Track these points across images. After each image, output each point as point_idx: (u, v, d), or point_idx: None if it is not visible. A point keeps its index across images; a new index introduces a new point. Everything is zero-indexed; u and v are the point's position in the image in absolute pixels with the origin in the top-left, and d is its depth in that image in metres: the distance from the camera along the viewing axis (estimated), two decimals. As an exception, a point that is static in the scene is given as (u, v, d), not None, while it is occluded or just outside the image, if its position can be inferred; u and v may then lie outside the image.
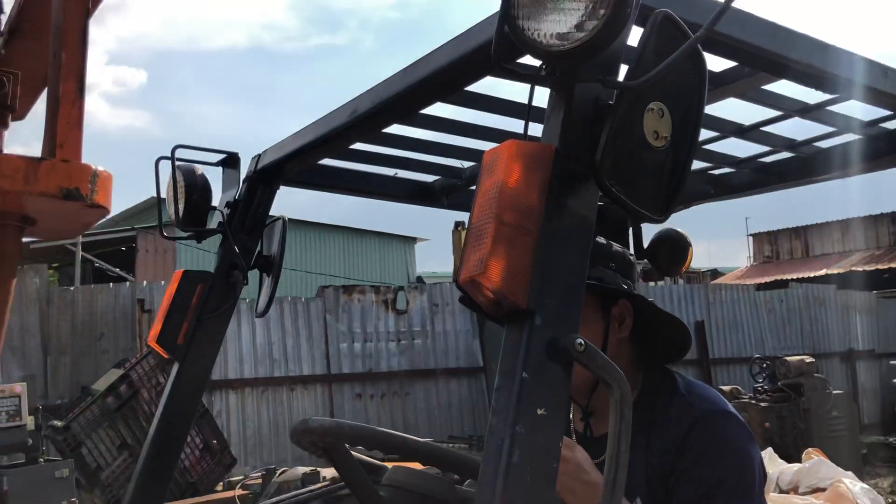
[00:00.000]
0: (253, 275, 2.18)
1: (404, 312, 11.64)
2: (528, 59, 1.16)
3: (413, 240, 24.86)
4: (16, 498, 6.26)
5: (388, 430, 1.45)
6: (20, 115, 0.98)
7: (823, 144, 2.25)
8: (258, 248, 2.20)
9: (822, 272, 19.94)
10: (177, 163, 2.07)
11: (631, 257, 1.89)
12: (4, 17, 1.30)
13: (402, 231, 24.38)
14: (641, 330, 1.81)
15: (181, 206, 2.06)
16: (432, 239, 25.43)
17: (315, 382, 10.84)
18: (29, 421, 6.83)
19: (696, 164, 2.42)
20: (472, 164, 2.39)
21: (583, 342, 1.02)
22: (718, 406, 1.72)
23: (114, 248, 19.21)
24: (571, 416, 1.94)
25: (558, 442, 1.01)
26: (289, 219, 2.22)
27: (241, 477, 7.43)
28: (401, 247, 24.32)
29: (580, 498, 1.50)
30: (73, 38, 1.01)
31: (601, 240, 1.85)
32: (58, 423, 7.19)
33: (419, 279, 23.00)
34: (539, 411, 0.99)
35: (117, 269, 18.50)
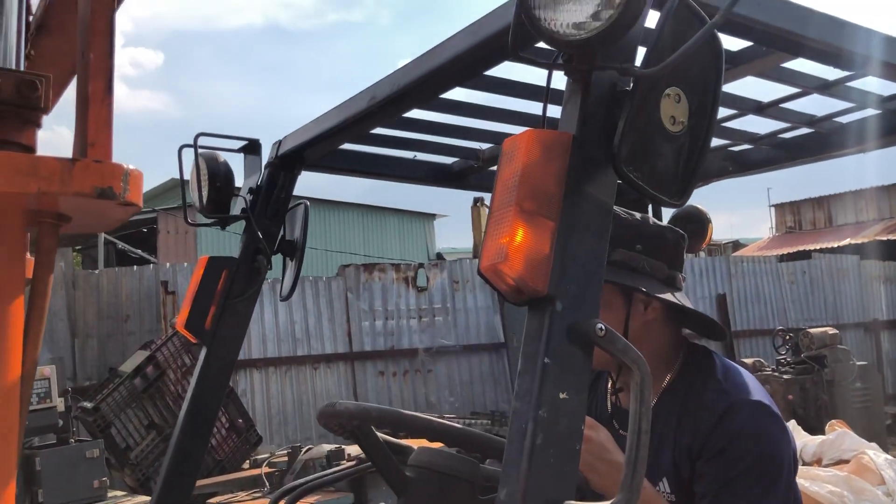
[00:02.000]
0: (275, 258, 2.22)
1: (425, 290, 11.70)
2: (544, 45, 1.17)
3: (432, 216, 24.87)
4: (49, 477, 6.40)
5: (413, 413, 1.48)
6: (47, 111, 1.01)
7: (842, 120, 2.24)
8: (281, 233, 2.23)
9: (846, 242, 19.74)
10: (199, 150, 2.10)
11: (670, 233, 1.85)
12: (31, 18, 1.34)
13: (420, 208, 24.41)
14: (676, 312, 1.82)
15: (205, 193, 2.10)
16: (451, 215, 25.44)
17: (338, 360, 10.95)
18: (59, 403, 6.96)
19: (715, 142, 2.42)
20: (489, 145, 2.40)
21: (603, 327, 1.04)
22: (753, 395, 1.72)
23: (135, 230, 19.41)
24: (607, 390, 1.97)
25: (580, 424, 1.04)
26: (308, 198, 2.25)
27: (267, 455, 7.53)
28: (420, 223, 24.34)
29: (603, 476, 1.53)
30: (101, 37, 1.04)
31: (636, 216, 1.83)
32: (87, 405, 7.32)
33: (439, 255, 23.04)
34: (561, 395, 1.01)
35: (139, 251, 18.69)
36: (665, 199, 1.13)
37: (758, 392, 1.75)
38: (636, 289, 1.73)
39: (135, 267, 11.27)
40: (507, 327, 11.54)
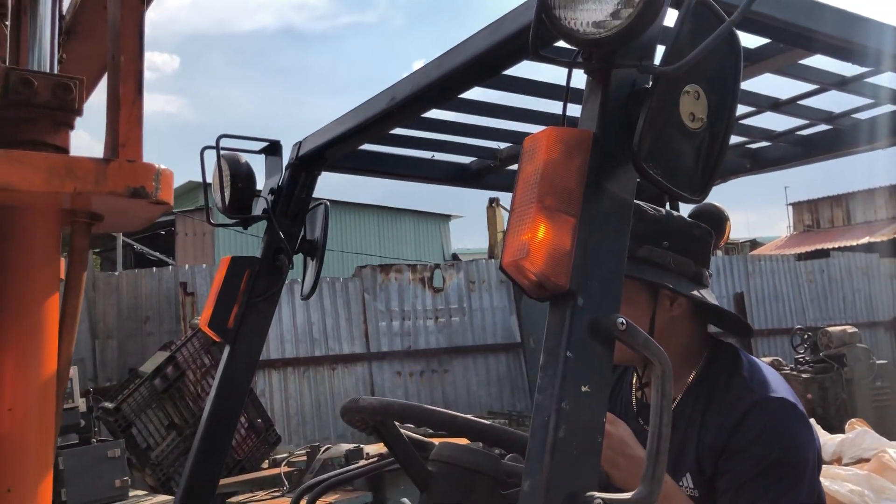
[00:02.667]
0: (296, 258, 2.25)
1: (441, 290, 11.72)
2: (564, 44, 1.19)
3: (447, 217, 24.90)
4: (72, 477, 6.47)
5: (434, 408, 1.50)
6: (80, 113, 1.04)
7: (860, 116, 2.24)
8: (302, 233, 2.26)
9: (865, 240, 19.58)
10: (221, 151, 2.13)
11: (697, 230, 1.85)
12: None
13: (436, 209, 24.44)
14: (704, 308, 1.83)
15: (227, 194, 2.13)
16: (467, 216, 25.47)
17: (355, 361, 11.00)
18: (81, 403, 7.04)
19: (733, 139, 2.42)
20: (508, 144, 2.41)
21: (624, 321, 1.06)
22: (778, 393, 1.72)
23: (153, 233, 19.57)
24: (633, 385, 1.98)
25: (602, 417, 1.05)
26: (324, 199, 2.28)
27: (285, 454, 7.58)
28: (435, 224, 24.38)
29: (623, 470, 1.54)
30: (131, 41, 1.06)
31: (662, 212, 1.82)
32: (108, 405, 7.40)
33: (454, 256, 23.07)
34: (583, 388, 1.03)
35: (157, 253, 18.85)
36: (685, 195, 1.14)
37: (783, 390, 1.75)
38: (662, 285, 1.74)
39: (154, 269, 11.38)
40: (523, 327, 11.54)
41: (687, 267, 1.79)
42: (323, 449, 6.93)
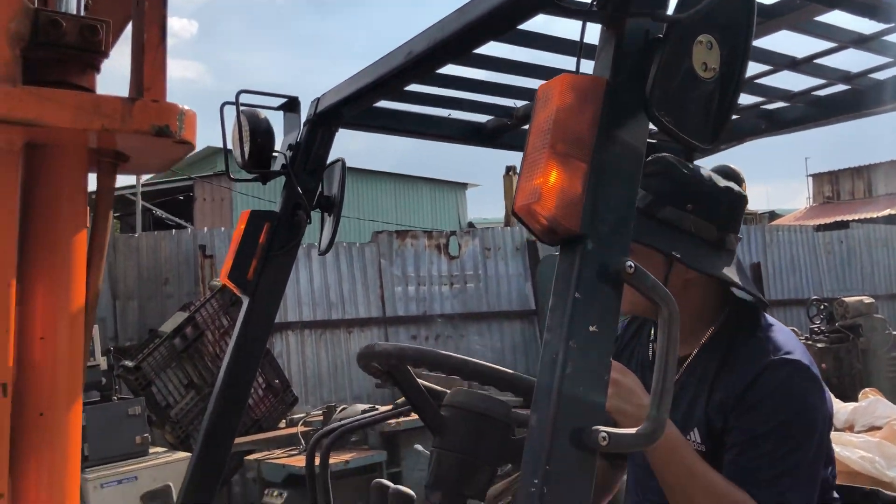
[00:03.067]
0: (310, 227, 2.28)
1: (457, 257, 11.77)
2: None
3: (464, 185, 24.86)
4: (93, 433, 6.62)
5: (447, 353, 1.54)
6: (106, 55, 1.07)
7: (879, 76, 2.22)
8: (319, 190, 2.29)
9: (886, 212, 19.39)
10: (241, 107, 2.16)
11: (726, 195, 1.82)
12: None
13: (453, 177, 24.39)
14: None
15: (246, 149, 2.16)
16: (483, 184, 25.43)
17: (371, 325, 11.10)
18: (102, 361, 7.18)
19: (749, 99, 2.41)
20: (524, 103, 2.42)
21: (633, 265, 1.08)
22: (794, 355, 1.73)
23: (172, 198, 19.71)
24: (650, 339, 2.00)
25: (608, 357, 1.08)
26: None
27: (302, 414, 7.71)
28: (452, 193, 24.36)
29: (631, 418, 1.57)
30: (155, -13, 1.09)
31: (697, 172, 1.81)
32: (129, 364, 7.54)
33: (470, 225, 23.08)
34: (591, 328, 1.06)
35: (176, 218, 19.00)
36: (695, 143, 1.16)
37: (799, 352, 1.75)
38: (671, 254, 1.73)
39: (173, 231, 11.49)
40: (538, 294, 11.58)
41: (708, 232, 1.77)
42: (339, 409, 7.04)
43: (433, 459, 1.55)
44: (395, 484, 1.59)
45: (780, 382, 1.68)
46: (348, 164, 2.26)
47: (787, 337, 1.80)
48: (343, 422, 1.87)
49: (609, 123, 1.12)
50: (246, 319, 2.21)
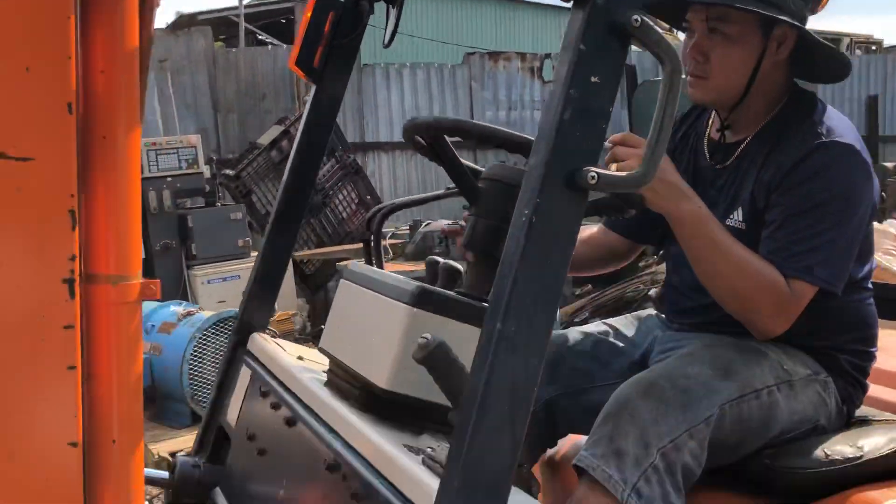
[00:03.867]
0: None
1: (550, 81, 11.54)
2: None
3: (570, 10, 23.71)
4: (199, 234, 7.17)
5: (480, 122, 1.63)
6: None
7: None
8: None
9: None
10: None
11: None
12: None
13: (556, 1, 23.25)
14: (800, 54, 1.78)
15: None
16: (588, 9, 24.13)
17: (461, 147, 11.15)
18: (205, 170, 7.63)
19: None
20: None
21: (638, 18, 1.12)
22: (844, 139, 1.72)
23: (274, 20, 19.71)
24: (709, 126, 1.98)
25: (608, 109, 1.14)
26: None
27: (392, 228, 8.07)
28: (555, 18, 23.36)
29: (660, 195, 1.64)
30: None
31: None
32: (230, 172, 7.99)
33: (570, 50, 22.22)
34: (592, 79, 1.12)
35: (276, 41, 19.09)
36: None
37: (851, 137, 1.74)
38: (779, 20, 1.67)
39: (269, 46, 11.65)
40: (633, 119, 11.32)
41: (800, 8, 1.71)
42: (424, 223, 7.33)
43: (469, 224, 1.68)
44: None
45: (826, 162, 1.69)
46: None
47: (843, 122, 1.79)
48: (396, 200, 2.03)
49: None
50: (313, 106, 2.34)
